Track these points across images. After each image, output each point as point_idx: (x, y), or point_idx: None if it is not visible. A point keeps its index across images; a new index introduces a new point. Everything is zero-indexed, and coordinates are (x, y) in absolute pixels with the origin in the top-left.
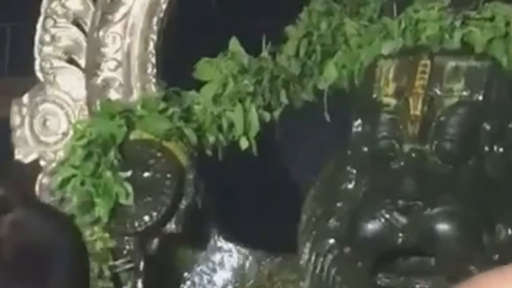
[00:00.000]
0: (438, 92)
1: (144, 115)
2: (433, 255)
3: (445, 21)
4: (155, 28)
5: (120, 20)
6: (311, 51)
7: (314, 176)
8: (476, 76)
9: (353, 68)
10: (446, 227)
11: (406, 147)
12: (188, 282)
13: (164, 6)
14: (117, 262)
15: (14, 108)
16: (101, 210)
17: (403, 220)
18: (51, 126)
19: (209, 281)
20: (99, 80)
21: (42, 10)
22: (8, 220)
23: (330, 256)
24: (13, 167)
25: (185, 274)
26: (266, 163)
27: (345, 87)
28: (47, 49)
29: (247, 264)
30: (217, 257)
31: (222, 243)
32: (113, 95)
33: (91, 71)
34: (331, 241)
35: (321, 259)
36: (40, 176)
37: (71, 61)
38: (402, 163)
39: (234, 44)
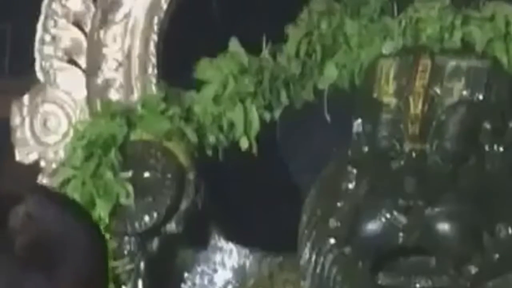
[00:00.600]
0: (439, 92)
1: (144, 115)
2: (434, 255)
3: (446, 21)
4: (155, 28)
5: (121, 20)
6: (311, 51)
7: (314, 176)
8: (476, 76)
9: (354, 68)
10: (446, 227)
11: (407, 147)
12: (189, 282)
13: (164, 7)
14: (118, 263)
15: (15, 109)
16: (102, 210)
17: (403, 219)
18: (51, 126)
19: (210, 281)
20: (99, 81)
21: (43, 10)
22: (21, 211)
23: (330, 256)
24: (13, 168)
25: (186, 274)
26: (267, 163)
27: (346, 86)
28: (48, 50)
29: (248, 264)
30: (217, 257)
31: (222, 243)
32: (114, 95)
33: (91, 71)
34: (332, 240)
35: (322, 258)
36: (40, 177)
37: (71, 62)
38: (402, 163)
39: (234, 44)
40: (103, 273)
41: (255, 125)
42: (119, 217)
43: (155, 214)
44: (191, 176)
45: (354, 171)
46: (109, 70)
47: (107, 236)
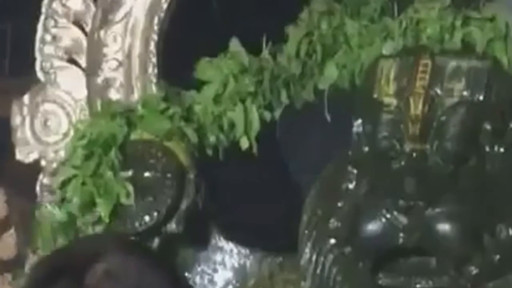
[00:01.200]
0: (439, 92)
1: (145, 115)
2: (434, 255)
3: (446, 21)
4: (156, 28)
5: (121, 20)
6: (311, 51)
7: (314, 176)
8: (476, 76)
9: (354, 68)
10: (447, 227)
11: (407, 147)
12: (189, 282)
13: (165, 6)
14: None
15: (15, 108)
16: (102, 210)
17: (404, 220)
18: (51, 126)
19: (210, 281)
20: (99, 80)
21: (43, 10)
22: (100, 270)
23: (331, 256)
24: (13, 167)
25: (186, 274)
26: (267, 163)
27: (346, 87)
28: (48, 49)
29: (248, 264)
30: (218, 257)
31: (223, 243)
32: (114, 95)
33: (92, 71)
34: (332, 241)
35: (322, 259)
36: (40, 176)
37: (72, 61)
38: (403, 163)
39: (234, 44)
40: None
41: (256, 125)
42: (120, 216)
43: (155, 214)
44: (191, 175)
45: (355, 171)
46: (110, 70)
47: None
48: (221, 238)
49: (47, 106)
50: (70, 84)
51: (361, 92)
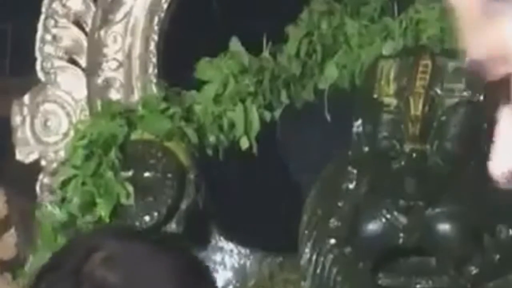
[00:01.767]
0: (439, 92)
1: (145, 115)
2: (434, 255)
3: (446, 21)
4: (156, 28)
5: (121, 20)
6: (311, 51)
7: (315, 176)
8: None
9: (354, 68)
10: (447, 227)
11: (407, 147)
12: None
13: (165, 6)
14: None
15: (15, 108)
16: (102, 210)
17: (404, 220)
18: (52, 126)
19: None
20: (100, 80)
21: (43, 10)
22: (99, 258)
23: (331, 256)
24: (14, 167)
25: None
26: (267, 163)
27: (346, 87)
28: (48, 49)
29: (248, 264)
30: (218, 257)
31: (223, 243)
32: (114, 95)
33: (92, 71)
34: (332, 241)
35: (322, 259)
36: (41, 176)
37: (72, 61)
38: (403, 163)
39: (234, 44)
40: None
41: (256, 125)
42: (120, 217)
43: (155, 214)
44: (191, 175)
45: (355, 171)
46: (110, 70)
47: None
48: (221, 238)
49: (48, 106)
50: (70, 84)
51: (361, 92)
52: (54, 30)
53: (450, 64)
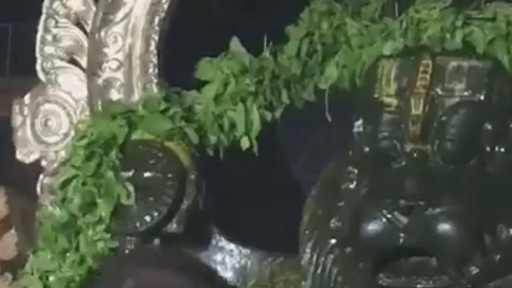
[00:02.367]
0: (440, 92)
1: (145, 115)
2: (435, 255)
3: (447, 21)
4: (156, 28)
5: (122, 20)
6: (312, 51)
7: (315, 176)
8: (477, 76)
9: (355, 68)
10: (447, 227)
11: (408, 147)
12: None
13: (165, 6)
14: None
15: (16, 108)
16: (103, 210)
17: (404, 220)
18: (52, 126)
19: None
20: (100, 80)
21: (44, 10)
22: (130, 285)
23: (331, 256)
24: (14, 167)
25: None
26: (267, 163)
27: (346, 87)
28: (49, 49)
29: (249, 264)
30: (218, 257)
31: (223, 243)
32: (115, 95)
33: (92, 71)
34: (333, 241)
35: (323, 259)
36: (41, 177)
37: (72, 61)
38: (403, 163)
39: (235, 44)
40: None
41: (256, 125)
42: (120, 217)
43: (156, 214)
44: (192, 175)
45: (355, 171)
46: (110, 70)
47: (109, 236)
48: (222, 238)
49: (48, 106)
50: (70, 84)
51: (361, 92)
52: (54, 30)
53: (451, 64)
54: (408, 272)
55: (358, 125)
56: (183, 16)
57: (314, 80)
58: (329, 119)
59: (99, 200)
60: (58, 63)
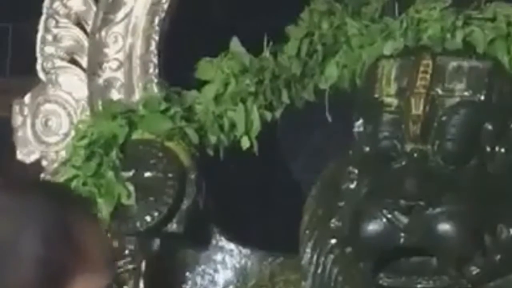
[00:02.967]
0: (440, 92)
1: (145, 115)
2: (435, 255)
3: (447, 21)
4: (156, 28)
5: (122, 20)
6: (312, 51)
7: (315, 176)
8: (477, 76)
9: (355, 68)
10: (447, 227)
11: (408, 147)
12: (190, 282)
13: (165, 6)
14: (119, 262)
15: (16, 108)
16: (103, 210)
17: (404, 220)
18: (53, 126)
19: (211, 281)
20: (101, 80)
21: (44, 10)
22: None
23: (331, 256)
24: (14, 167)
25: (187, 274)
26: (268, 163)
27: (347, 87)
28: (49, 49)
29: (249, 264)
30: (218, 257)
31: (223, 243)
32: (115, 95)
33: (93, 71)
34: (333, 241)
35: (323, 259)
36: (41, 176)
37: (73, 61)
38: (403, 163)
39: (235, 44)
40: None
41: (256, 125)
42: (120, 216)
43: (156, 214)
44: (192, 175)
45: (355, 171)
46: (111, 70)
47: (109, 236)
48: (222, 238)
49: (48, 106)
50: (71, 84)
51: (362, 92)
52: (55, 30)
53: (451, 64)
54: (409, 272)
55: (358, 125)
56: (183, 16)
57: (314, 80)
58: (329, 119)
59: (99, 200)
60: (58, 63)
